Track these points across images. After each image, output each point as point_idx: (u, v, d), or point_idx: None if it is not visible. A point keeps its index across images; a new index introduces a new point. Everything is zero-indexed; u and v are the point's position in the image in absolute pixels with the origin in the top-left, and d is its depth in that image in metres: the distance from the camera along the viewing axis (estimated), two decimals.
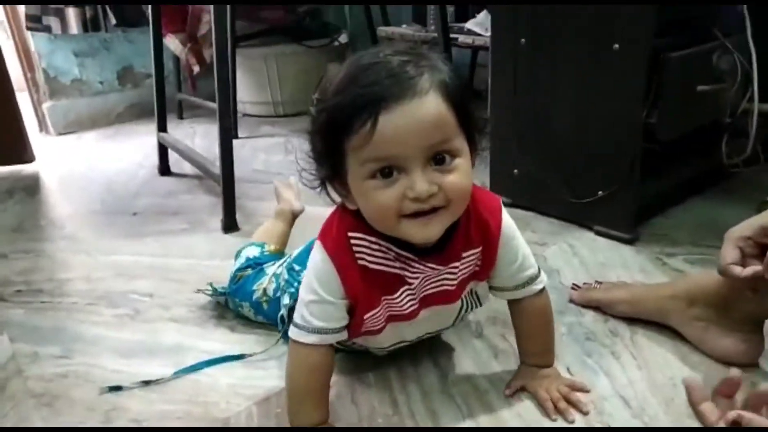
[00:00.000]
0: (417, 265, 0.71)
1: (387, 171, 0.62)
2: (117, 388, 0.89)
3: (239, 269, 1.05)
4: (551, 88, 1.25)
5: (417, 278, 0.73)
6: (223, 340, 1.01)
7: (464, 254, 0.73)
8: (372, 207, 0.64)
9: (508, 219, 0.77)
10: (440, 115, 0.60)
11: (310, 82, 2.47)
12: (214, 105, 1.87)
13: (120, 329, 1.06)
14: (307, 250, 0.87)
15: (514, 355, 0.91)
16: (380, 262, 0.71)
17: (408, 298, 0.74)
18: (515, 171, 1.38)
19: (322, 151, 0.66)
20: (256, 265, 1.04)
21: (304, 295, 0.74)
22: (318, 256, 0.73)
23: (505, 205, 1.40)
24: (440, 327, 0.86)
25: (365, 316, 0.74)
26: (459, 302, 0.80)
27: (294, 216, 1.22)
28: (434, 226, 0.65)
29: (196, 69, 2.27)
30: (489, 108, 1.41)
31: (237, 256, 1.11)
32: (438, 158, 0.62)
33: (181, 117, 2.51)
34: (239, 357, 0.95)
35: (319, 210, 0.81)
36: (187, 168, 1.88)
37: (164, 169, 1.87)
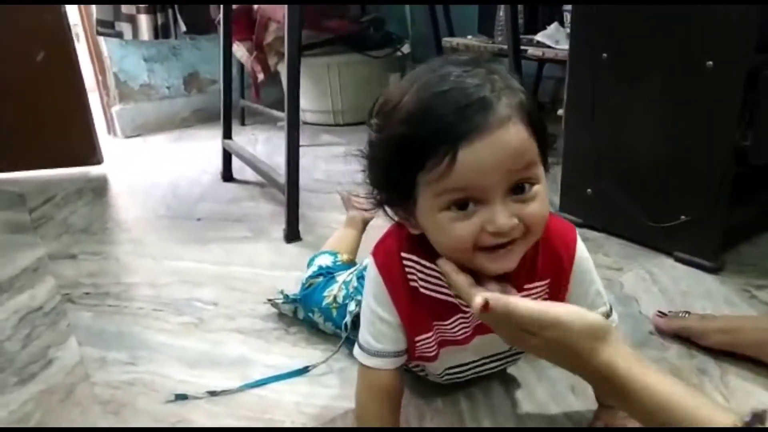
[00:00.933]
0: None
1: (463, 203, 0.57)
2: (183, 397, 0.89)
3: (311, 277, 1.05)
4: (633, 106, 1.19)
5: (463, 317, 0.71)
6: (286, 354, 0.99)
7: (527, 286, 0.69)
8: (447, 239, 0.60)
9: (583, 251, 0.71)
10: (523, 142, 0.56)
11: (372, 91, 2.46)
12: (280, 113, 1.89)
13: (185, 337, 1.05)
14: None
15: (590, 389, 0.85)
16: (433, 289, 0.69)
17: (461, 326, 0.72)
18: (588, 190, 1.32)
19: (386, 180, 0.62)
20: (328, 273, 1.04)
21: (363, 315, 0.74)
22: (371, 272, 0.71)
23: (576, 225, 1.36)
24: (494, 351, 0.80)
25: (416, 339, 0.72)
26: None
27: (365, 223, 1.22)
28: (511, 258, 0.60)
29: (261, 77, 2.29)
30: (563, 123, 1.36)
31: (310, 263, 1.11)
32: (518, 187, 0.57)
33: (243, 123, 2.54)
34: (304, 370, 0.94)
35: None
36: (250, 175, 1.89)
37: (227, 175, 1.88)
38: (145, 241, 1.48)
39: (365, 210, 1.17)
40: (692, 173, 1.12)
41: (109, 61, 2.42)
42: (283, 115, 2.03)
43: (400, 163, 0.58)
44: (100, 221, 1.62)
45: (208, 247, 1.42)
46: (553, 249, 0.68)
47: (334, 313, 0.98)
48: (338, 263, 1.08)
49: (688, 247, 1.17)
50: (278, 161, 1.98)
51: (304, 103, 2.39)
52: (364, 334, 0.73)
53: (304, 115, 2.49)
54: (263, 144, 2.30)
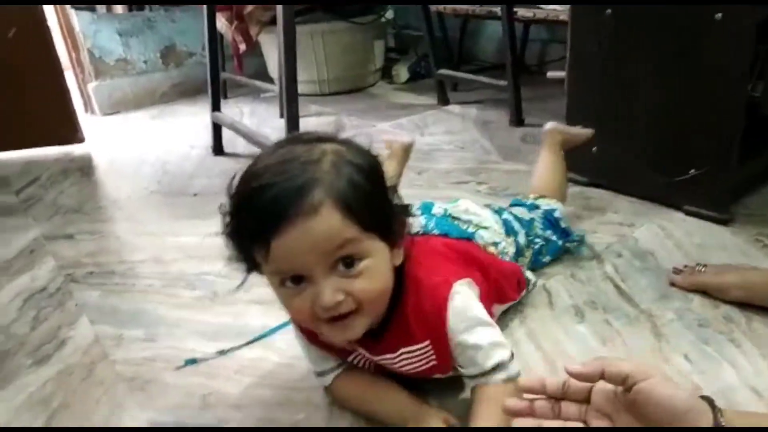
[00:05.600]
0: (351, 346, 0.72)
1: (296, 277, 0.59)
2: (193, 362, 0.89)
3: None
4: (640, 61, 1.19)
5: (359, 355, 0.74)
6: None
7: (404, 349, 0.70)
8: (290, 311, 0.65)
9: (456, 311, 0.68)
10: (333, 229, 0.57)
11: (358, 59, 2.43)
12: (265, 85, 1.85)
13: (202, 312, 1.03)
14: None
15: (621, 342, 0.86)
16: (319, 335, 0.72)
17: (363, 360, 0.75)
18: (594, 149, 1.32)
19: (237, 254, 0.64)
20: None
21: None
22: None
23: (581, 184, 1.36)
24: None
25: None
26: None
27: (405, 152, 1.20)
28: (353, 329, 0.62)
29: (243, 47, 2.23)
30: (566, 83, 1.35)
31: None
32: (346, 261, 0.59)
33: (225, 96, 2.47)
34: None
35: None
36: (241, 148, 1.85)
37: (218, 149, 1.83)
38: (142, 219, 1.43)
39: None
40: (703, 127, 1.13)
41: (81, 37, 2.32)
42: (268, 86, 1.99)
43: (237, 245, 0.63)
44: (92, 200, 1.57)
45: (209, 221, 1.36)
46: (424, 312, 0.68)
47: None
48: None
49: (698, 201, 1.18)
50: (267, 133, 1.95)
51: None
52: (309, 363, 0.79)
53: None
54: (249, 117, 2.25)
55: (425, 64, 2.51)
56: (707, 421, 0.50)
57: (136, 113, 2.43)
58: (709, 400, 0.52)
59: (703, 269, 0.97)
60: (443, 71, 2.08)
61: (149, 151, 1.94)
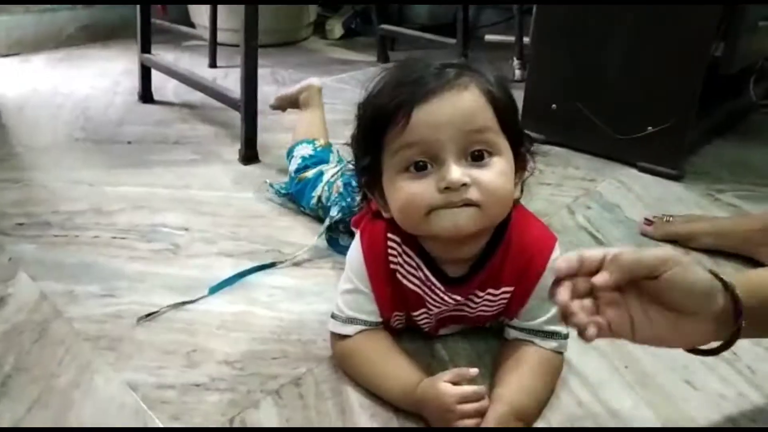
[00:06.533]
0: (442, 295, 0.67)
1: (421, 164, 0.59)
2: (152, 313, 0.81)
3: (298, 170, 1.06)
4: (603, 21, 1.21)
5: (438, 307, 0.69)
6: (289, 274, 0.92)
7: (490, 290, 0.68)
8: (402, 199, 0.61)
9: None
10: (477, 106, 0.59)
11: (290, 10, 2.31)
12: (191, 30, 1.70)
13: (165, 265, 0.94)
14: None
15: None
16: (407, 276, 0.69)
17: (425, 319, 0.73)
18: (553, 106, 1.33)
19: (361, 149, 0.66)
20: (314, 164, 1.06)
21: (341, 284, 0.73)
22: (355, 249, 0.71)
23: (538, 141, 1.38)
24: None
25: (391, 315, 0.72)
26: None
27: (319, 93, 1.25)
28: (465, 219, 0.58)
29: None
30: (530, 39, 1.35)
31: (289, 155, 1.13)
32: (475, 154, 0.59)
33: None
34: (271, 265, 0.93)
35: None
36: (171, 95, 1.72)
37: (147, 96, 1.68)
38: (72, 167, 1.28)
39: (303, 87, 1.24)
40: (664, 85, 1.17)
41: None
42: (197, 32, 1.84)
43: (370, 128, 0.63)
44: (5, 147, 1.38)
45: (153, 170, 1.27)
46: (525, 256, 0.66)
47: (321, 213, 1.00)
48: (318, 149, 1.10)
49: (652, 157, 1.23)
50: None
51: (219, 21, 2.18)
52: (338, 302, 0.72)
53: (219, 35, 2.27)
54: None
55: (360, 21, 2.44)
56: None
57: (39, 56, 2.17)
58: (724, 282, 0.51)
59: (671, 219, 1.02)
60: (386, 26, 2.03)
61: (64, 96, 1.74)
